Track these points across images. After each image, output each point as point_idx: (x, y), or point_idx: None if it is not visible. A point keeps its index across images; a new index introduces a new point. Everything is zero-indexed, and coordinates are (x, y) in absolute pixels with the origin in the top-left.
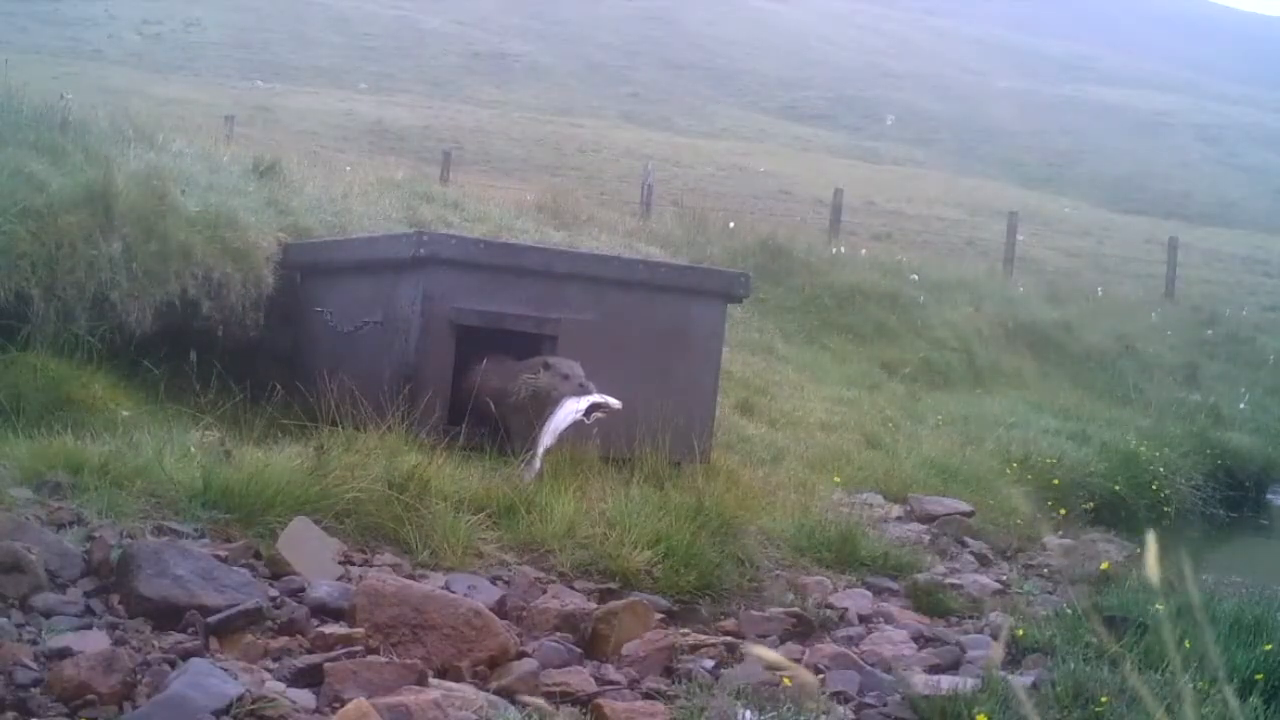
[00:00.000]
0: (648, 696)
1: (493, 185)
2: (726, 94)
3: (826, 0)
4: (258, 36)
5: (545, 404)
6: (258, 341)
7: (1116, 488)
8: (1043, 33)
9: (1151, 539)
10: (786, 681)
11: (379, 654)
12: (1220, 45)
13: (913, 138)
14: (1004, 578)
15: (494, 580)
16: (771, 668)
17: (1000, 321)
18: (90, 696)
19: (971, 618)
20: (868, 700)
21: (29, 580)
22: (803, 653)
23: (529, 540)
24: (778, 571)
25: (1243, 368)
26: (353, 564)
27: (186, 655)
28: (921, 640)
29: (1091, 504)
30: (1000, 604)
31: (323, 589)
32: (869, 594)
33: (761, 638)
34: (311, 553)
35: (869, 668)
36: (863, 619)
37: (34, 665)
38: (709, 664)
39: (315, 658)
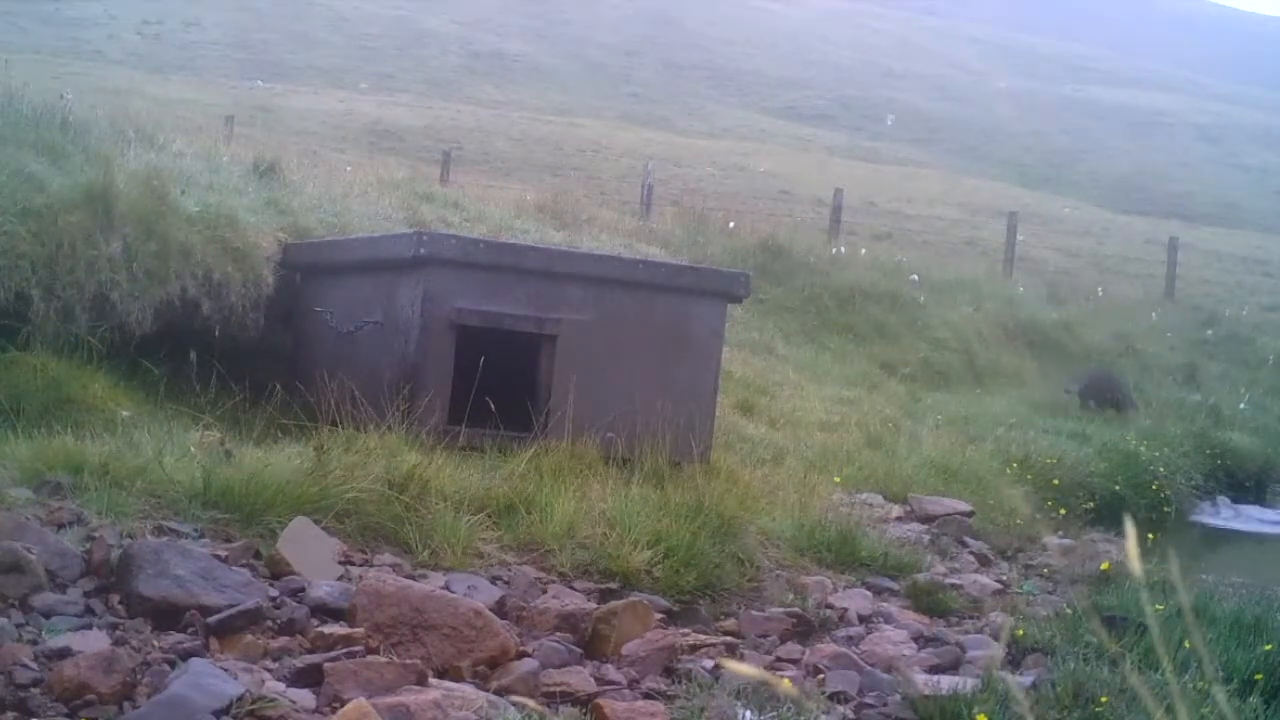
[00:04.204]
0: (648, 696)
1: (493, 185)
2: (726, 94)
3: (826, 0)
4: (258, 36)
5: None
6: (258, 341)
7: (1116, 488)
8: (1043, 33)
9: (1130, 528)
10: (785, 683)
11: (379, 654)
12: (1220, 45)
13: (913, 138)
14: (1004, 578)
15: (494, 580)
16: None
17: (1000, 321)
18: (90, 696)
19: (971, 618)
20: (868, 700)
21: (29, 580)
22: (803, 653)
23: (529, 540)
24: (778, 571)
25: (1243, 368)
26: (353, 564)
27: (186, 655)
28: (921, 640)
29: (1091, 504)
30: (1000, 604)
31: (323, 589)
32: (869, 594)
33: (762, 638)
34: (311, 553)
35: (869, 668)
36: (863, 619)
37: (34, 665)
38: (709, 664)
39: (315, 658)
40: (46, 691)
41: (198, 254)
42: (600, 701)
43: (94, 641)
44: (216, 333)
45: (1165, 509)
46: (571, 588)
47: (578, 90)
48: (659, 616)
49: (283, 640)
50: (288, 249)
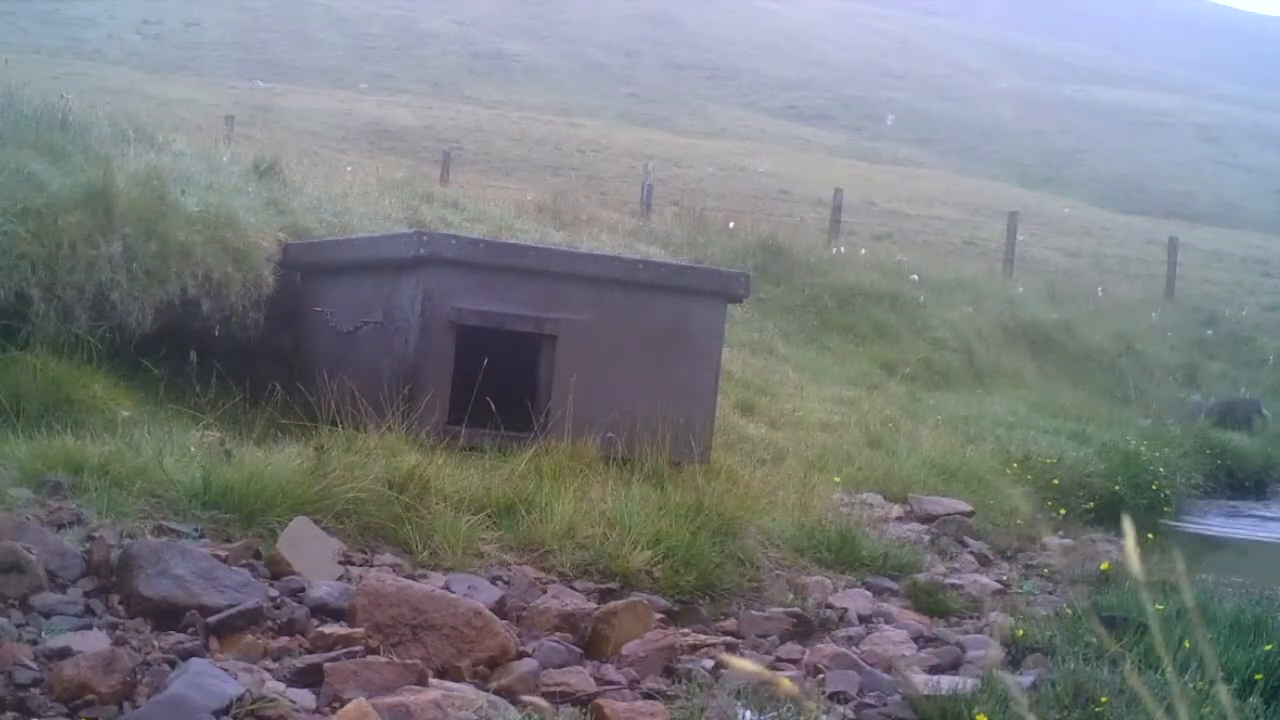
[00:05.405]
0: (648, 696)
1: (493, 185)
2: (726, 94)
3: (826, 0)
4: (258, 36)
5: None
6: (258, 341)
7: (1116, 488)
8: (1043, 33)
9: (1129, 526)
10: (786, 681)
11: (379, 654)
12: (1220, 45)
13: (913, 138)
14: (1004, 578)
15: (494, 580)
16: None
17: (1000, 321)
18: (90, 696)
19: (971, 618)
20: (868, 700)
21: (29, 580)
22: (803, 653)
23: (529, 540)
24: (778, 571)
25: (1243, 368)
26: (353, 564)
27: (186, 655)
28: (921, 640)
29: (1091, 504)
30: (1000, 604)
31: (323, 589)
32: (869, 594)
33: (761, 638)
34: (311, 553)
35: (869, 668)
36: (863, 619)
37: (34, 665)
38: (709, 664)
39: (315, 658)
40: (46, 691)
41: (198, 254)
42: (600, 701)
43: (94, 641)
44: (216, 333)
45: (1165, 509)
46: (571, 588)
47: (578, 90)
48: (659, 616)
49: (283, 640)
50: (288, 249)
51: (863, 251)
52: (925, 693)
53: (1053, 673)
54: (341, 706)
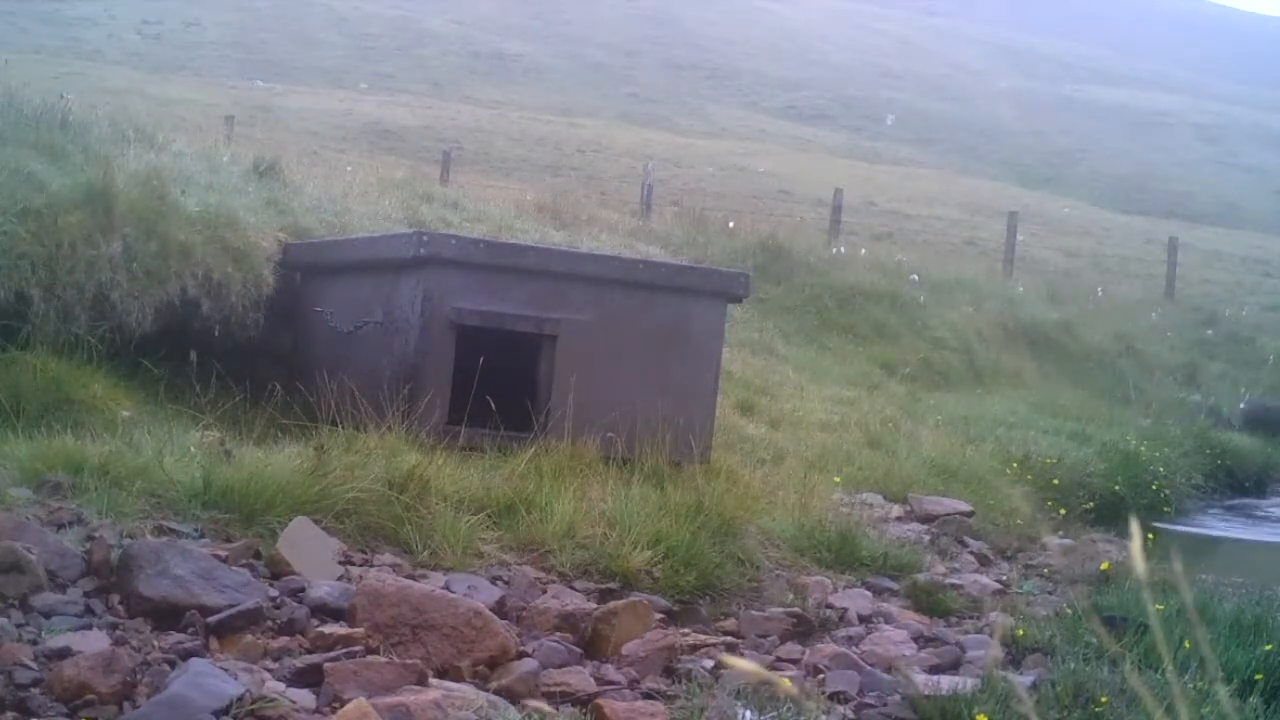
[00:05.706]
0: (648, 696)
1: (492, 185)
2: (726, 94)
3: (826, 0)
4: (258, 36)
5: None
6: (258, 341)
7: (1116, 488)
8: (1043, 33)
9: (1136, 527)
10: (785, 682)
11: (379, 654)
12: (1220, 45)
13: (913, 138)
14: (1004, 578)
15: (494, 580)
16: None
17: (1000, 321)
18: (90, 696)
19: (971, 618)
20: (868, 700)
21: (29, 580)
22: (803, 653)
23: (529, 540)
24: (778, 571)
25: (1243, 368)
26: (353, 564)
27: (186, 655)
28: (921, 640)
29: (1091, 504)
30: (1000, 604)
31: (323, 589)
32: (869, 594)
33: (762, 638)
34: (311, 553)
35: (869, 668)
36: (863, 619)
37: (34, 665)
38: (709, 664)
39: (315, 658)
40: (46, 691)
41: (198, 254)
42: (600, 701)
43: (94, 641)
44: (216, 333)
45: (1165, 509)
46: (571, 588)
47: (578, 90)
48: (659, 616)
49: (283, 640)
50: (288, 249)
51: (863, 251)
52: (925, 692)
53: (1053, 673)
54: (341, 706)
